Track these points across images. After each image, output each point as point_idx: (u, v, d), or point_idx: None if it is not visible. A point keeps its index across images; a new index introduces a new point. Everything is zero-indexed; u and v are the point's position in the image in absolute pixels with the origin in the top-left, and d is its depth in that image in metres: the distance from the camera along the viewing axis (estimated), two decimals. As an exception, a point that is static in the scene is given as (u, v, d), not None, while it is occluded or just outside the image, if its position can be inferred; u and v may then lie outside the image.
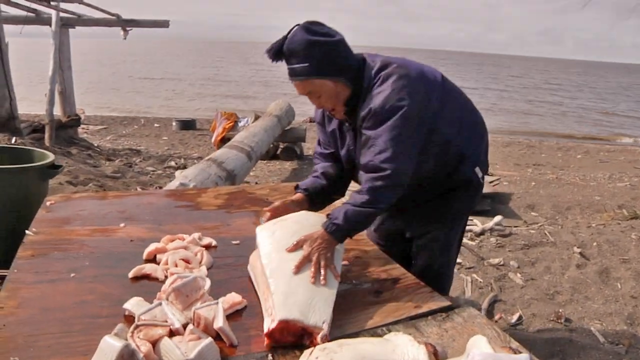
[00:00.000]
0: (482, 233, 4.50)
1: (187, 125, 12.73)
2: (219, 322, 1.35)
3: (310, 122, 12.25)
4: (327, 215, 1.76)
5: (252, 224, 2.17)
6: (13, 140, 6.24)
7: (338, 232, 1.71)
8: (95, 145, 9.12)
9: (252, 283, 1.70)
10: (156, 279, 1.69)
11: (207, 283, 1.53)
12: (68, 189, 4.61)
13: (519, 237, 4.49)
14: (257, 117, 8.81)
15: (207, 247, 1.96)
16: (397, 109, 1.73)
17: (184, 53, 69.26)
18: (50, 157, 2.97)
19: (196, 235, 2.00)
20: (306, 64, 1.73)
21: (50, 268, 1.73)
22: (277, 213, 1.92)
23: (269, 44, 1.81)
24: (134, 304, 1.46)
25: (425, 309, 1.60)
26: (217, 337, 1.34)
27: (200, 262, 1.81)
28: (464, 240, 4.27)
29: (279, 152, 9.02)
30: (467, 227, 4.53)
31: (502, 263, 3.92)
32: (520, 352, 1.22)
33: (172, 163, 7.75)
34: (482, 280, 3.62)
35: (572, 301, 3.38)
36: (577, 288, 3.57)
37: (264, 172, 7.67)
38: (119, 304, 1.47)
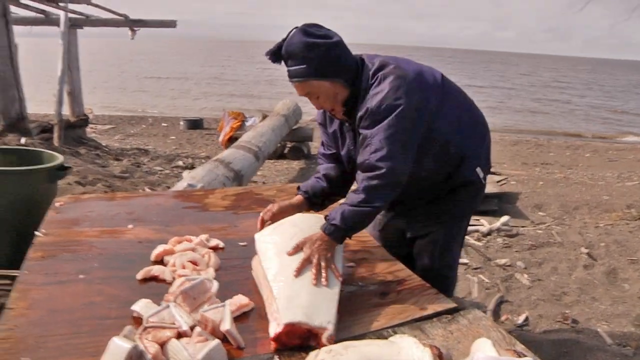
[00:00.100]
0: (489, 233, 4.49)
1: (195, 124, 12.77)
2: (226, 325, 1.37)
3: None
4: (325, 217, 1.77)
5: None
6: (23, 141, 6.30)
7: (336, 233, 1.72)
8: (104, 144, 9.17)
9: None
10: (164, 280, 1.70)
11: (215, 285, 1.55)
12: (77, 189, 4.64)
13: (526, 238, 4.48)
14: (264, 117, 8.83)
15: (215, 248, 1.97)
16: (394, 108, 1.75)
17: (191, 52, 69.45)
18: (59, 158, 3.00)
19: (203, 237, 2.01)
20: (304, 66, 1.76)
21: (60, 269, 1.75)
22: (275, 218, 1.95)
23: (275, 43, 1.84)
24: (142, 306, 1.48)
25: (430, 310, 1.61)
26: (224, 339, 1.35)
27: (208, 264, 1.82)
28: (471, 240, 4.27)
29: (286, 151, 9.03)
30: (474, 228, 4.54)
31: (508, 263, 3.92)
32: (525, 356, 1.23)
33: (180, 163, 7.78)
34: (488, 281, 3.61)
35: (579, 302, 3.37)
36: (584, 289, 3.56)
37: (271, 172, 7.68)
38: (127, 306, 1.48)
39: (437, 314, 1.58)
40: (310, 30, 1.77)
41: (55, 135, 7.58)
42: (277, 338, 1.38)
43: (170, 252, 1.87)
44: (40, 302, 1.53)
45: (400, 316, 1.57)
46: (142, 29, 9.83)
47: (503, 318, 3.13)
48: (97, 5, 8.34)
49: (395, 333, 1.45)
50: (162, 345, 1.30)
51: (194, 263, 1.80)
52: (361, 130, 1.83)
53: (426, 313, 1.59)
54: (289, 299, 1.49)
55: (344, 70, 1.82)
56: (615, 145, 13.19)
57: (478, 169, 2.01)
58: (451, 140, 1.94)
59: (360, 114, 1.83)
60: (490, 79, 39.76)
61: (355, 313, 1.57)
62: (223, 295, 1.55)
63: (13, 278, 2.30)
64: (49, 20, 9.11)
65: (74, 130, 8.70)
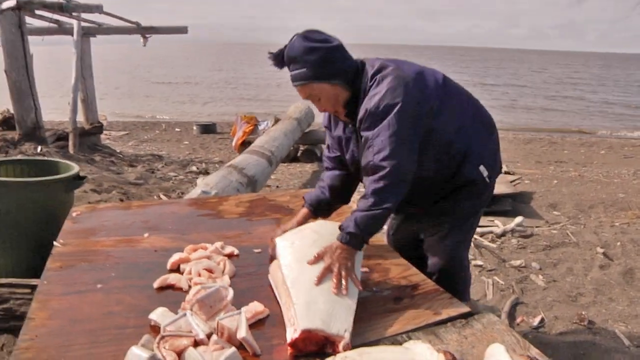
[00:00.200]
0: (503, 234, 4.47)
1: (208, 129, 12.84)
2: (242, 332, 1.39)
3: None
4: (339, 227, 1.80)
5: (273, 232, 2.21)
6: (39, 149, 6.39)
7: (353, 240, 1.74)
8: (118, 151, 9.26)
9: (273, 292, 1.74)
10: (180, 289, 1.73)
11: (230, 293, 1.57)
12: (93, 196, 4.70)
13: (540, 238, 4.45)
14: (276, 120, 8.86)
15: (230, 256, 2.00)
16: (392, 108, 1.78)
17: (203, 56, 69.84)
18: (75, 168, 3.04)
19: (218, 244, 2.04)
20: (304, 69, 1.83)
21: (78, 279, 1.78)
22: None
23: (282, 46, 1.90)
24: (160, 315, 1.50)
25: (444, 315, 1.62)
26: (240, 346, 1.37)
27: (223, 272, 1.85)
28: (485, 242, 4.25)
29: (299, 154, 9.05)
30: (488, 229, 4.52)
31: (523, 265, 3.89)
32: (539, 361, 1.24)
33: (194, 168, 7.84)
34: (503, 283, 3.60)
35: (596, 303, 3.34)
36: (601, 289, 3.53)
37: (284, 175, 7.70)
38: (145, 315, 1.51)
39: (452, 319, 1.59)
40: (310, 36, 1.84)
41: (71, 143, 7.68)
42: (294, 344, 1.40)
43: (186, 260, 1.90)
44: (60, 312, 1.56)
45: (415, 321, 1.58)
46: (154, 35, 9.93)
47: (518, 320, 3.12)
48: (109, 14, 8.42)
49: (410, 339, 1.46)
50: (180, 353, 1.33)
51: (210, 271, 1.83)
52: (362, 133, 1.86)
53: (440, 318, 1.60)
54: (308, 305, 1.51)
55: (344, 72, 1.87)
56: (631, 142, 13.03)
57: (481, 167, 2.01)
58: (453, 139, 1.96)
59: (360, 115, 1.87)
60: (503, 77, 39.51)
61: (370, 319, 1.59)
62: (238, 302, 1.57)
63: (32, 287, 2.35)
64: (63, 30, 9.23)
65: (89, 137, 8.80)
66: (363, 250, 1.82)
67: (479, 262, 3.91)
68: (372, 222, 1.78)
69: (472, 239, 3.97)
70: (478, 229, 4.47)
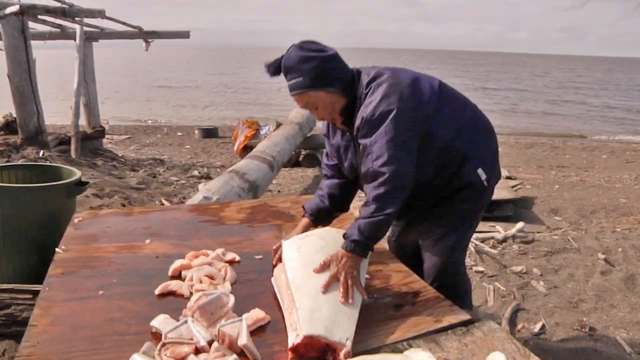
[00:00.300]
0: (504, 240, 4.46)
1: (210, 133, 12.88)
2: (243, 340, 1.39)
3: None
4: (343, 235, 1.81)
5: (274, 239, 2.22)
6: (41, 154, 6.41)
7: (358, 247, 1.75)
8: (120, 155, 9.29)
9: (275, 297, 1.74)
10: (182, 295, 1.74)
11: (231, 300, 1.58)
12: (94, 201, 4.71)
13: (541, 244, 4.45)
14: (278, 125, 8.87)
15: (231, 262, 2.01)
16: (387, 114, 1.81)
17: (204, 60, 69.98)
18: (77, 174, 3.05)
19: (220, 250, 2.05)
20: (300, 78, 1.87)
21: (80, 286, 1.79)
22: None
23: (283, 51, 1.94)
24: (161, 321, 1.51)
25: (445, 323, 1.62)
26: (241, 353, 1.38)
27: (225, 278, 1.86)
28: (486, 248, 4.25)
29: (301, 159, 9.06)
30: (489, 235, 4.52)
31: (524, 271, 3.89)
32: (539, 369, 1.24)
33: (196, 172, 7.84)
34: (504, 289, 3.59)
35: (597, 309, 3.34)
36: (602, 296, 3.52)
37: (286, 180, 7.71)
38: (147, 321, 1.52)
39: (452, 326, 1.60)
40: (305, 46, 1.89)
41: (73, 147, 7.70)
42: (295, 349, 1.41)
43: (188, 267, 1.91)
44: (61, 319, 1.57)
45: (415, 329, 1.58)
46: (156, 39, 9.98)
47: (519, 326, 3.11)
48: (111, 19, 8.47)
49: (411, 346, 1.47)
50: (181, 361, 1.34)
51: (211, 277, 1.83)
52: (360, 141, 1.89)
53: (441, 325, 1.60)
54: (311, 311, 1.52)
55: (339, 80, 1.91)
56: (632, 146, 13.03)
57: (480, 170, 2.02)
58: (450, 144, 1.97)
59: (357, 124, 1.90)
60: (504, 81, 39.54)
61: (371, 326, 1.59)
62: (240, 309, 1.58)
63: (34, 292, 2.36)
64: (65, 34, 9.28)
65: (91, 141, 8.84)
66: (368, 257, 1.83)
67: (480, 268, 3.90)
68: (376, 228, 1.79)
69: (473, 245, 3.97)
70: (479, 235, 4.47)
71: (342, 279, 1.67)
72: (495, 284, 3.67)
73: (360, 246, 1.76)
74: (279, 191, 6.79)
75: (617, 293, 3.56)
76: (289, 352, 1.42)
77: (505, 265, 3.98)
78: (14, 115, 7.17)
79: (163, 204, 5.10)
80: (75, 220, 2.42)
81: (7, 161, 5.96)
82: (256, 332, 1.53)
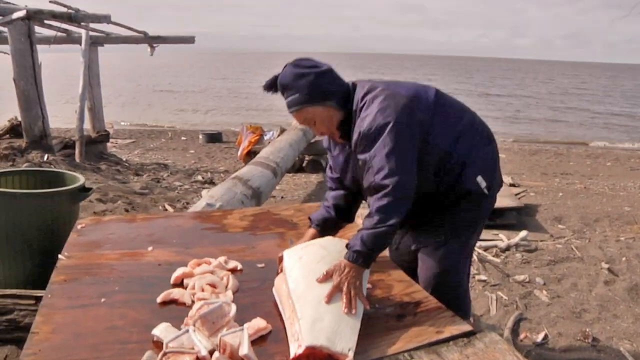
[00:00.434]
0: (507, 249, 4.45)
1: (214, 138, 12.91)
2: (244, 349, 1.39)
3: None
4: (346, 245, 1.81)
5: (277, 247, 2.22)
6: (45, 158, 6.44)
7: (360, 258, 1.75)
8: (124, 159, 9.32)
9: (277, 307, 1.74)
10: (183, 303, 1.74)
11: (233, 309, 1.57)
12: (98, 206, 4.73)
13: (545, 253, 4.43)
14: (282, 131, 8.89)
15: (233, 270, 2.01)
16: (384, 127, 1.82)
17: (209, 65, 70.22)
18: (81, 179, 3.06)
19: (222, 259, 2.05)
20: (297, 95, 1.90)
21: (82, 293, 1.79)
22: None
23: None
24: (162, 330, 1.51)
25: (446, 333, 1.61)
26: (242, 363, 1.38)
27: (226, 287, 1.86)
28: (489, 256, 4.24)
29: (304, 164, 9.07)
30: (492, 243, 4.51)
31: (527, 280, 3.88)
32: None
33: (199, 177, 7.87)
34: (507, 298, 3.58)
35: (600, 320, 3.32)
36: (605, 306, 3.51)
37: (289, 186, 7.71)
38: (148, 330, 1.52)
39: (454, 337, 1.59)
40: (299, 63, 1.93)
41: (77, 151, 7.74)
42: (297, 359, 1.41)
43: (190, 275, 1.91)
44: (63, 326, 1.57)
45: (417, 339, 1.58)
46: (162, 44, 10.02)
47: (522, 336, 3.10)
48: (117, 24, 8.50)
49: (412, 357, 1.47)
50: (182, 371, 1.33)
51: (213, 286, 1.84)
52: (359, 156, 1.91)
53: (442, 336, 1.60)
54: (313, 321, 1.52)
55: (334, 94, 1.93)
56: (637, 154, 12.98)
57: (479, 178, 2.01)
58: (450, 151, 1.97)
59: (354, 139, 1.92)
60: (508, 87, 39.51)
61: (372, 336, 1.59)
62: (241, 318, 1.58)
63: (37, 298, 2.37)
64: (71, 39, 9.33)
65: (95, 145, 8.87)
66: (370, 267, 1.83)
67: (483, 277, 3.89)
68: (378, 239, 1.79)
69: (476, 253, 3.95)
70: (482, 243, 4.46)
71: (345, 289, 1.67)
72: (498, 293, 3.66)
73: (362, 257, 1.76)
74: (282, 197, 6.80)
75: (621, 303, 3.54)
76: (291, 362, 1.42)
77: (508, 274, 3.97)
78: (19, 119, 7.21)
79: (166, 210, 5.11)
80: (79, 227, 2.43)
81: (12, 165, 5.99)
82: (257, 341, 1.53)
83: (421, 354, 1.49)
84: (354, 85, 2.01)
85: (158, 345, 1.46)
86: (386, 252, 2.33)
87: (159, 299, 1.75)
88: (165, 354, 1.38)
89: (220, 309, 1.55)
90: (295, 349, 1.43)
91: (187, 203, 5.38)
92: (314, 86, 1.89)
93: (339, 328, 1.52)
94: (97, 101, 9.74)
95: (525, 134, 17.31)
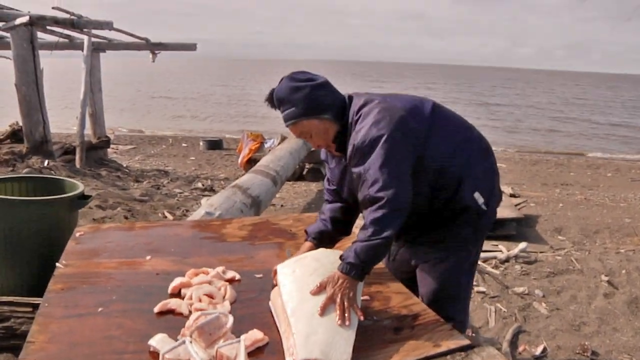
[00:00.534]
0: (507, 260, 4.44)
1: (214, 145, 12.93)
2: (241, 361, 1.39)
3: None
4: (340, 257, 1.80)
5: (275, 257, 2.22)
6: (46, 163, 6.44)
7: (353, 270, 1.74)
8: (124, 165, 9.32)
9: (274, 318, 1.74)
10: (181, 314, 1.73)
11: (230, 320, 1.57)
12: (97, 213, 4.72)
13: (544, 264, 4.42)
14: (283, 139, 8.90)
15: (231, 281, 2.00)
16: (378, 140, 1.81)
17: (210, 72, 70.37)
18: (80, 187, 3.05)
19: (220, 269, 2.04)
20: (293, 108, 1.90)
21: (79, 302, 1.79)
22: None
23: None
24: (159, 340, 1.51)
25: (444, 347, 1.60)
26: (238, 376, 1.37)
27: (224, 297, 1.85)
28: (488, 268, 4.23)
29: (305, 172, 9.07)
30: (492, 254, 4.50)
31: (526, 292, 3.86)
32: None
33: (199, 184, 7.87)
34: (506, 310, 3.57)
35: (599, 333, 3.31)
36: (605, 319, 3.49)
37: (289, 194, 7.71)
38: (145, 340, 1.51)
39: (451, 352, 1.58)
40: (295, 77, 1.93)
41: (77, 157, 7.74)
42: (292, 373, 1.41)
43: (187, 285, 1.90)
44: (60, 336, 1.56)
45: (414, 353, 1.57)
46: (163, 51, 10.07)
47: (520, 349, 3.09)
48: (119, 30, 8.54)
49: (409, 371, 1.46)
50: (178, 383, 1.33)
51: (210, 296, 1.83)
52: (353, 170, 1.90)
53: (440, 350, 1.59)
54: (307, 335, 1.52)
55: (330, 107, 1.93)
56: (638, 164, 12.99)
57: (476, 194, 1.99)
58: (446, 166, 1.96)
59: (349, 152, 1.91)
60: (508, 96, 39.58)
61: (370, 348, 1.58)
62: (238, 329, 1.57)
63: (34, 306, 2.36)
64: (73, 45, 9.37)
65: (96, 151, 8.88)
66: (364, 280, 1.82)
67: (482, 289, 3.88)
68: (372, 252, 1.78)
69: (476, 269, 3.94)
70: (482, 254, 4.43)
71: (338, 300, 1.66)
72: (497, 305, 3.65)
73: (356, 269, 1.74)
74: (282, 205, 6.79)
75: (621, 316, 3.53)
76: (286, 376, 1.41)
77: (507, 286, 3.96)
78: (21, 124, 7.22)
79: (165, 217, 5.11)
80: (77, 234, 2.43)
81: (12, 170, 5.99)
82: (254, 353, 1.52)
83: (418, 367, 1.48)
84: (350, 97, 2.00)
85: (154, 355, 1.46)
86: (383, 264, 2.33)
87: (156, 309, 1.74)
88: (161, 365, 1.38)
89: (217, 320, 1.54)
90: (290, 363, 1.43)
91: (187, 210, 5.37)
92: (309, 99, 1.89)
93: (333, 340, 1.52)
94: (98, 107, 9.77)
95: (526, 143, 17.33)
